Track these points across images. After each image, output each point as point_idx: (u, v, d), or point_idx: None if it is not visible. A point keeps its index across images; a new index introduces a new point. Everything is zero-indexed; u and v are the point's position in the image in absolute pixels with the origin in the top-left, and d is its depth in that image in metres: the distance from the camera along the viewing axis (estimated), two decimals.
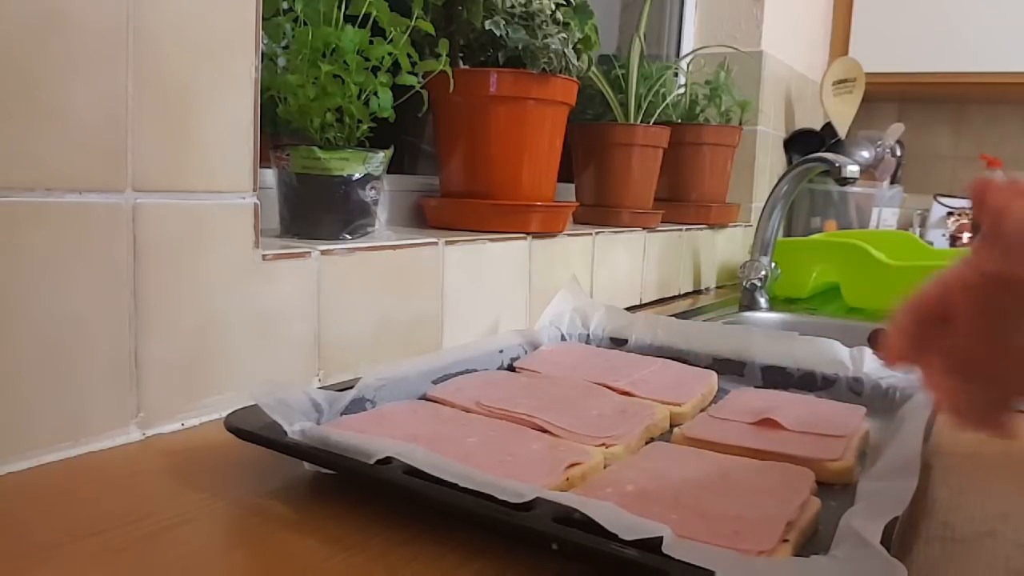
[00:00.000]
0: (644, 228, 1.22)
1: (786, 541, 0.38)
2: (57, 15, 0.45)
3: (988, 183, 0.33)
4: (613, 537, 0.34)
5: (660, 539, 0.33)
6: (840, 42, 2.15)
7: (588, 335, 0.83)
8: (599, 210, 1.21)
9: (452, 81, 0.81)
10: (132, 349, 0.51)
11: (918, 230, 2.27)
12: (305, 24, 0.67)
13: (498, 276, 0.86)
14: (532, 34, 0.88)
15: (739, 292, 1.29)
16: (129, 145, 0.50)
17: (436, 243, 0.77)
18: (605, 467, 0.49)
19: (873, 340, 1.17)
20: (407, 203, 0.99)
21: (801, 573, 0.33)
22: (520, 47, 0.87)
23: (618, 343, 0.82)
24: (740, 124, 1.48)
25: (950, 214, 2.26)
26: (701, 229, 1.44)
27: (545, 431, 0.53)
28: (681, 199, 1.43)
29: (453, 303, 0.79)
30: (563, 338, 0.81)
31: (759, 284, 1.26)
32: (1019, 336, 0.32)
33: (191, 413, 0.55)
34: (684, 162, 1.41)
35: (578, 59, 0.92)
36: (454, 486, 0.39)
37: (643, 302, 1.24)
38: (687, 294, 1.40)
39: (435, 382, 0.63)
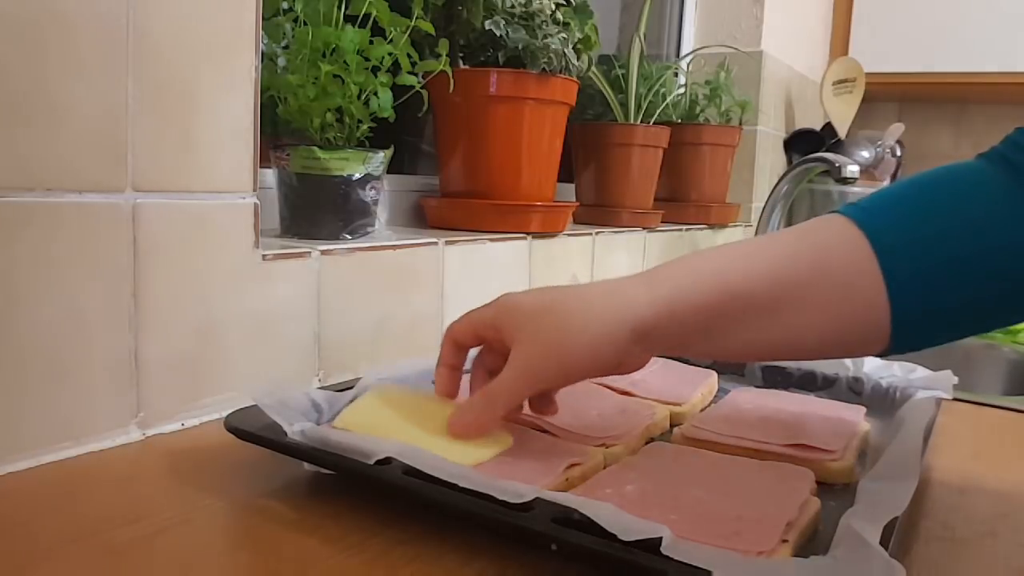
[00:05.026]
0: (644, 228, 1.22)
1: (785, 541, 0.38)
2: (57, 15, 0.45)
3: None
4: (612, 537, 0.34)
5: (659, 539, 0.33)
6: (840, 42, 2.15)
7: None
8: (599, 210, 1.21)
9: (452, 81, 0.81)
10: (132, 349, 0.51)
11: None
12: (305, 24, 0.67)
13: (498, 276, 0.86)
14: (532, 34, 0.88)
15: None
16: (129, 145, 0.50)
17: (436, 243, 0.77)
18: (605, 467, 0.49)
19: None
20: (407, 203, 0.99)
21: (800, 573, 0.33)
22: (520, 47, 0.87)
23: None
24: (740, 124, 1.48)
25: None
26: (701, 229, 1.44)
27: (545, 431, 0.53)
28: (681, 199, 1.43)
29: (453, 303, 0.79)
30: None
31: None
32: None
33: (191, 413, 0.55)
34: (684, 162, 1.41)
35: (578, 59, 0.92)
36: (453, 486, 0.39)
37: None
38: None
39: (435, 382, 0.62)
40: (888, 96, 2.27)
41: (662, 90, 1.26)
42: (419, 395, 0.53)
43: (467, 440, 0.47)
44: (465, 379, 0.53)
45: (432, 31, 0.76)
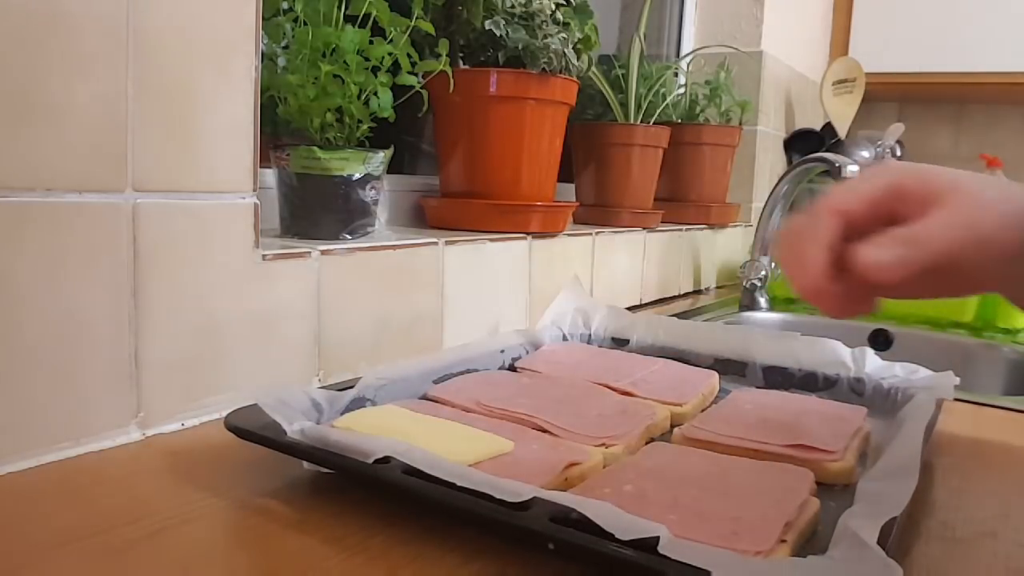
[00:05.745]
0: (644, 228, 1.22)
1: (784, 542, 0.38)
2: (56, 15, 0.45)
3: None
4: (610, 537, 0.34)
5: (656, 539, 0.33)
6: (840, 42, 2.15)
7: (590, 335, 0.83)
8: (599, 210, 1.21)
9: (452, 81, 0.81)
10: (132, 349, 0.51)
11: None
12: (305, 24, 0.67)
13: (498, 276, 0.86)
14: (532, 34, 0.88)
15: (739, 292, 1.29)
16: (129, 145, 0.50)
17: (436, 243, 0.77)
18: (605, 467, 0.49)
19: (874, 340, 1.17)
20: (407, 203, 0.99)
21: (797, 573, 0.33)
22: (520, 47, 0.87)
23: (620, 343, 0.82)
24: (740, 124, 1.48)
25: None
26: (701, 229, 1.44)
27: (545, 431, 0.53)
28: (681, 199, 1.43)
29: (453, 303, 0.79)
30: (565, 338, 0.81)
31: (759, 284, 1.26)
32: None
33: (191, 413, 0.55)
34: (684, 162, 1.41)
35: (578, 59, 0.92)
36: (452, 485, 0.39)
37: (643, 302, 1.24)
38: (687, 294, 1.40)
39: (436, 382, 0.63)
40: (888, 96, 2.27)
41: (662, 90, 1.26)
42: (422, 416, 0.53)
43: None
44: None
45: (432, 31, 0.76)
